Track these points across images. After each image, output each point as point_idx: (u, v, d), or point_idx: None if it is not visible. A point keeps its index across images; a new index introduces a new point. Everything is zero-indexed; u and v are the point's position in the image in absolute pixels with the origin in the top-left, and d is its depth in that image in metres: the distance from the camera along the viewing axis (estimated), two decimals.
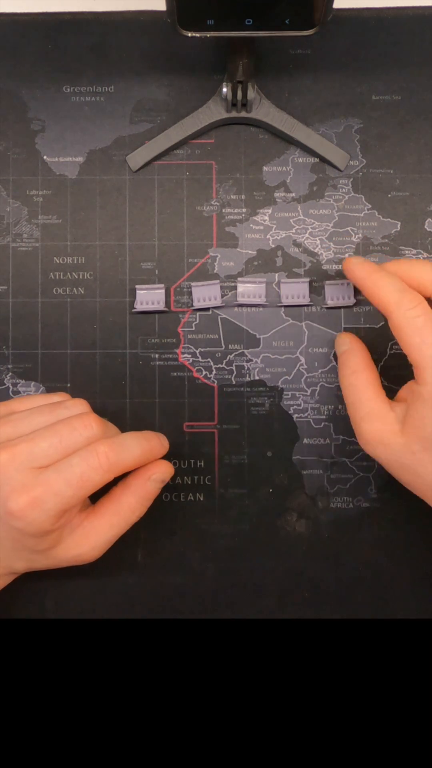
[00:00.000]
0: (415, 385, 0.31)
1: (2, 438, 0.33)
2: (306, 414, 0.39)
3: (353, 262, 0.34)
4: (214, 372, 0.39)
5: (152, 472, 0.35)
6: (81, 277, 0.39)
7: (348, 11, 0.39)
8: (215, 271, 0.39)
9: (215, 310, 0.39)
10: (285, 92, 0.39)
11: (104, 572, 0.39)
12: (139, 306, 0.38)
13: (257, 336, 0.39)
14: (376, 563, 0.39)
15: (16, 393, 0.39)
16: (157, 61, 0.39)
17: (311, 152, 0.39)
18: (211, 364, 0.39)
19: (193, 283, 0.39)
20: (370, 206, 0.39)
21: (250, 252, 0.39)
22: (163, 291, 0.39)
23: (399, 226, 0.39)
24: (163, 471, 0.35)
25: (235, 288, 0.39)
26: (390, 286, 0.32)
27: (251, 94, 0.37)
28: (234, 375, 0.39)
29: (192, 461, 0.39)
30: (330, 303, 0.38)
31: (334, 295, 0.38)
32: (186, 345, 0.39)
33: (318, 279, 0.39)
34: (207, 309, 0.39)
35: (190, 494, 0.39)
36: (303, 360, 0.39)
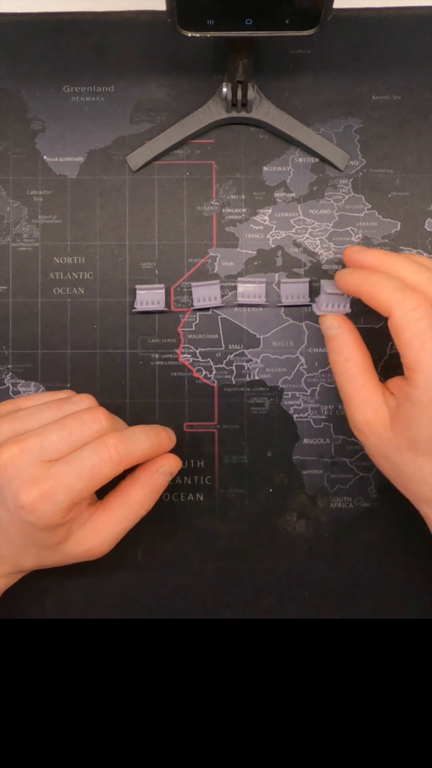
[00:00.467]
0: (405, 384, 0.31)
1: (11, 433, 0.33)
2: (306, 414, 0.39)
3: (345, 272, 0.33)
4: (214, 372, 0.39)
5: (160, 464, 0.35)
6: (81, 277, 0.39)
7: (348, 11, 0.39)
8: (215, 271, 0.39)
9: (215, 310, 0.39)
10: (285, 92, 0.39)
11: (104, 572, 0.39)
12: (139, 306, 0.38)
13: (257, 336, 0.39)
14: (376, 563, 0.39)
15: (16, 393, 0.39)
16: (157, 61, 0.39)
17: (311, 152, 0.39)
18: (211, 364, 0.39)
19: (193, 283, 0.39)
20: (370, 206, 0.39)
21: (250, 252, 0.39)
22: (163, 291, 0.39)
23: (399, 226, 0.39)
24: (172, 464, 0.35)
25: (235, 288, 0.39)
26: (390, 284, 0.31)
27: (251, 94, 0.37)
28: (234, 375, 0.39)
29: (192, 461, 0.39)
30: (323, 309, 0.36)
31: (328, 302, 0.36)
32: (186, 345, 0.39)
33: (318, 279, 0.39)
34: (207, 309, 0.39)
35: (190, 494, 0.39)
36: (303, 360, 0.39)
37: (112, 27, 0.39)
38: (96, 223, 0.39)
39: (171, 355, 0.39)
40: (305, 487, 0.39)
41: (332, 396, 0.39)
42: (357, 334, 0.34)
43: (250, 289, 0.38)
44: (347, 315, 0.35)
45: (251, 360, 0.39)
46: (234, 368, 0.39)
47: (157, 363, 0.39)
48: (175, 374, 0.39)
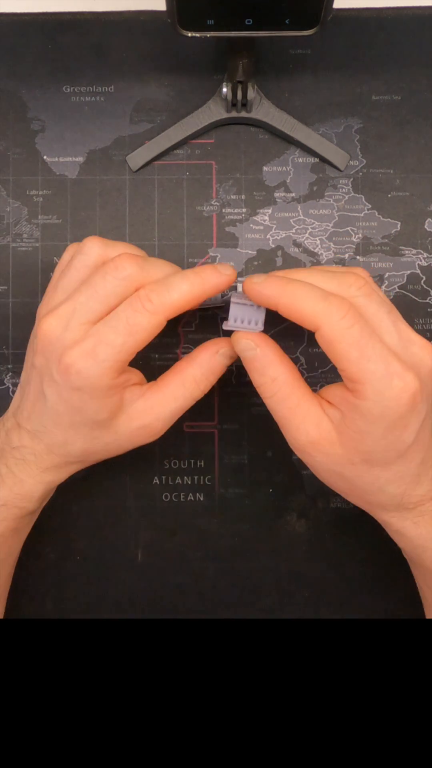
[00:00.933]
0: (350, 396, 0.29)
1: (45, 311, 0.32)
2: None
3: (256, 281, 0.30)
4: None
5: (220, 346, 0.33)
6: None
7: (348, 11, 0.39)
8: None
9: (215, 310, 0.39)
10: (285, 92, 0.39)
11: (104, 572, 0.39)
12: None
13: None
14: (376, 563, 0.39)
15: None
16: (157, 61, 0.39)
17: (311, 152, 0.39)
18: None
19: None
20: (370, 206, 0.39)
21: (250, 252, 0.39)
22: None
23: (399, 226, 0.39)
24: (232, 347, 0.32)
25: (235, 288, 0.39)
26: (312, 294, 0.29)
27: (251, 94, 0.37)
28: (234, 375, 0.39)
29: (192, 461, 0.39)
30: (231, 325, 0.32)
31: (239, 316, 0.32)
32: (186, 345, 0.39)
33: None
34: (207, 309, 0.39)
35: (190, 494, 0.39)
36: (303, 360, 0.39)
37: (112, 27, 0.39)
38: (96, 223, 0.39)
39: (171, 355, 0.39)
40: (305, 487, 0.39)
41: None
42: (278, 349, 0.31)
43: (243, 313, 0.32)
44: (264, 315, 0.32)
45: None
46: (234, 368, 0.39)
47: (157, 363, 0.39)
48: None
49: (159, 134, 0.39)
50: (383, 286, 0.39)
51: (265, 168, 0.39)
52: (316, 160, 0.39)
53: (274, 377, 0.30)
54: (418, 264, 0.39)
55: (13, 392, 0.39)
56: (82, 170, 0.39)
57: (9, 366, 0.39)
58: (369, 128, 0.39)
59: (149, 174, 0.39)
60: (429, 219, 0.39)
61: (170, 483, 0.39)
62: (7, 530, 0.33)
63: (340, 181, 0.39)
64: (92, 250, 0.32)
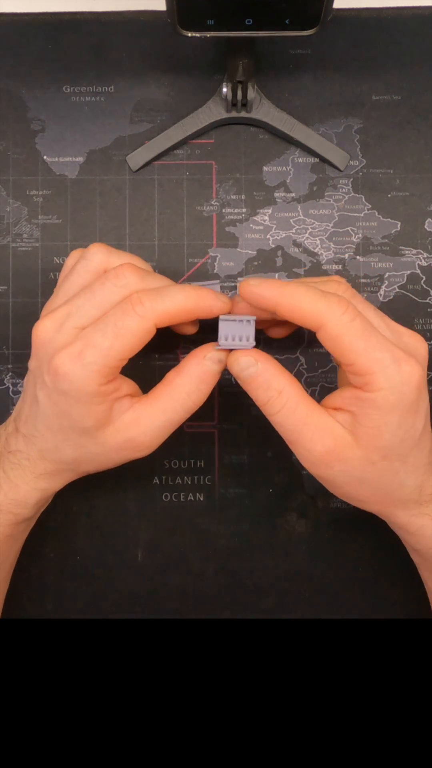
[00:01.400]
0: (361, 393, 0.29)
1: (45, 313, 0.32)
2: None
3: (253, 283, 0.30)
4: None
5: (207, 350, 0.32)
6: None
7: (348, 11, 0.39)
8: (215, 271, 0.39)
9: None
10: (285, 92, 0.39)
11: (104, 572, 0.39)
12: None
13: (257, 336, 0.39)
14: (376, 563, 0.39)
15: (16, 393, 0.39)
16: (157, 61, 0.39)
17: (311, 152, 0.39)
18: None
19: (193, 284, 0.39)
20: (370, 206, 0.39)
21: (250, 252, 0.39)
22: None
23: (399, 226, 0.39)
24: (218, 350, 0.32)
25: (235, 288, 0.39)
26: (311, 294, 0.29)
27: (251, 94, 0.37)
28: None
29: (192, 461, 0.39)
30: (222, 344, 0.31)
31: (229, 334, 0.31)
32: (186, 345, 0.39)
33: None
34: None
35: (190, 494, 0.39)
36: (303, 360, 0.39)
37: (112, 27, 0.39)
38: (96, 223, 0.39)
39: (171, 355, 0.39)
40: (305, 487, 0.39)
41: None
42: (278, 364, 0.31)
43: (233, 329, 0.32)
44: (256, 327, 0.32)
45: None
46: None
47: (157, 363, 0.39)
48: None
49: (159, 134, 0.39)
50: (383, 286, 0.39)
51: (265, 168, 0.39)
52: (316, 160, 0.39)
53: (280, 389, 0.30)
54: (418, 264, 0.39)
55: (13, 392, 0.39)
56: (82, 170, 0.39)
57: (9, 366, 0.39)
58: (369, 128, 0.39)
59: (149, 174, 0.39)
60: (429, 219, 0.39)
61: (170, 483, 0.39)
62: (2, 536, 0.33)
63: (340, 181, 0.39)
64: (96, 256, 0.32)
